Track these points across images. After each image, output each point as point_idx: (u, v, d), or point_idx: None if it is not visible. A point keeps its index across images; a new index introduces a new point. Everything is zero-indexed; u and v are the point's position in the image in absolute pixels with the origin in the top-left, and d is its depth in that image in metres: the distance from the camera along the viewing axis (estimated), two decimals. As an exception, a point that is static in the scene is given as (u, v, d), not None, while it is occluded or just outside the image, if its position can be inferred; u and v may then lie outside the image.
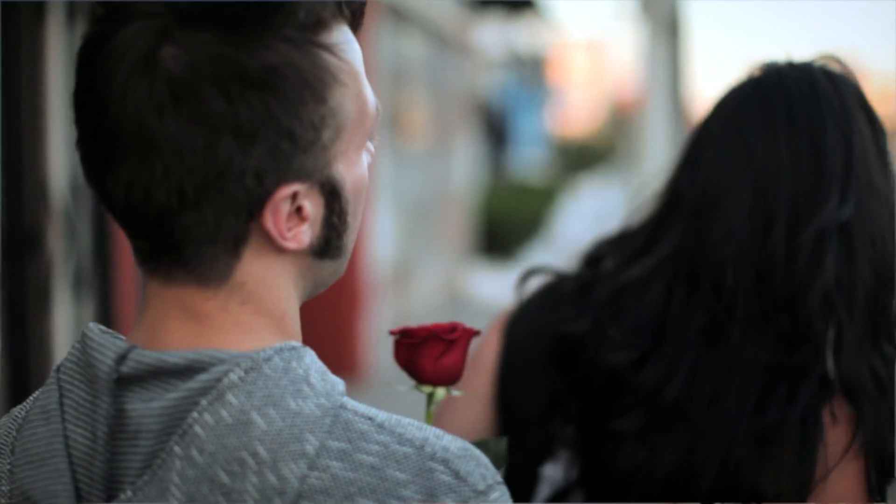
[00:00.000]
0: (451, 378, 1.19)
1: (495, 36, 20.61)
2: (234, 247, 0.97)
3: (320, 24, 0.97)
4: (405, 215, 9.68)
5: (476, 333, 1.21)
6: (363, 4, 1.03)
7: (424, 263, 11.01)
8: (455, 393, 1.22)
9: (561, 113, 36.53)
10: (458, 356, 1.19)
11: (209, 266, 0.97)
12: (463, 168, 13.18)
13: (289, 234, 0.98)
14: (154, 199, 0.94)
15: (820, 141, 1.48)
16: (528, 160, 24.30)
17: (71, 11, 3.75)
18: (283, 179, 0.96)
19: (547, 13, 20.88)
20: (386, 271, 8.77)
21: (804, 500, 1.41)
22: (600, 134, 39.98)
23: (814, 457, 1.41)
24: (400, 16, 9.64)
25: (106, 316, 3.94)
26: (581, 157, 31.33)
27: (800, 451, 1.42)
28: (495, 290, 11.93)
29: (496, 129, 20.68)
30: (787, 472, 1.42)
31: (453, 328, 1.18)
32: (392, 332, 1.20)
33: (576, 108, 41.17)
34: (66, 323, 3.76)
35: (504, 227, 14.46)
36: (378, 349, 8.07)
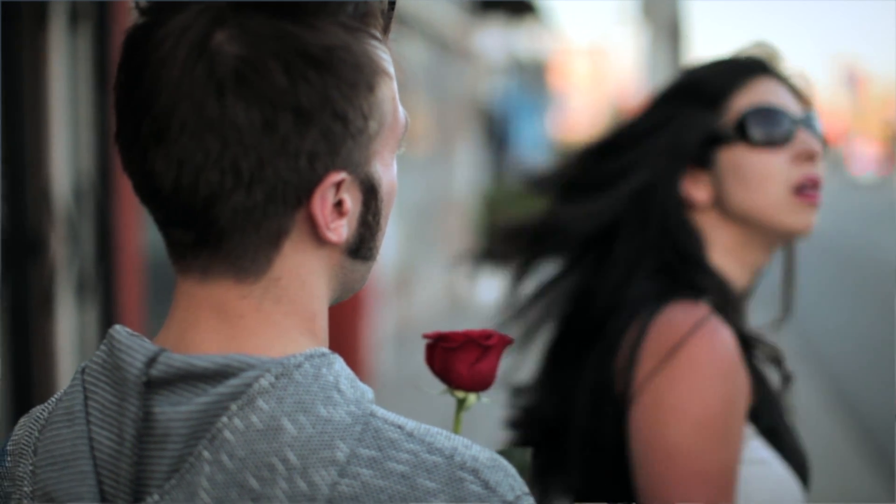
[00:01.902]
0: (484, 384, 1.19)
1: (497, 41, 20.63)
2: (276, 238, 0.97)
3: (369, 16, 0.99)
4: (407, 220, 9.68)
5: (510, 341, 1.21)
6: (393, 5, 1.05)
7: (426, 268, 11.01)
8: (485, 400, 1.22)
9: (562, 118, 36.58)
10: (493, 362, 1.19)
11: (250, 257, 0.97)
12: (464, 173, 13.19)
13: (331, 226, 0.98)
14: (206, 178, 0.94)
15: None
16: (530, 165, 24.27)
17: (73, 16, 3.75)
18: (332, 166, 0.96)
19: (548, 18, 20.91)
20: (388, 276, 8.78)
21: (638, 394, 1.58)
22: (602, 139, 39.94)
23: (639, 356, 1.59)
24: (401, 21, 9.65)
25: (108, 321, 3.93)
26: (583, 163, 31.25)
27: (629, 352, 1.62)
28: (497, 295, 11.95)
29: (498, 135, 20.70)
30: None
31: (489, 335, 1.18)
32: (426, 336, 1.20)
33: (577, 112, 41.23)
34: (69, 328, 3.76)
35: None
36: (380, 354, 8.07)
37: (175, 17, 0.95)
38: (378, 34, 1.01)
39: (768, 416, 1.63)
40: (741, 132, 1.71)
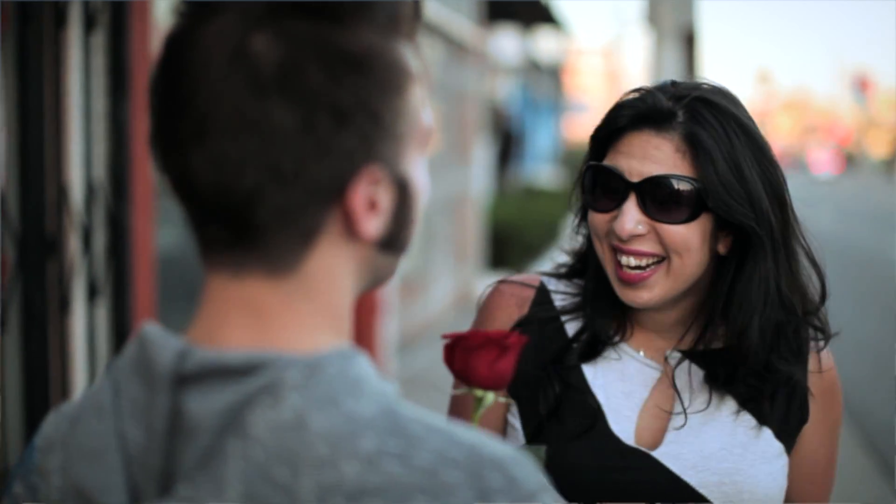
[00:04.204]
0: (502, 382, 1.22)
1: (511, 45, 20.62)
2: (310, 235, 0.99)
3: (399, 21, 1.02)
4: (418, 223, 9.69)
5: (527, 341, 1.24)
6: (419, 9, 1.07)
7: (437, 272, 11.03)
8: (502, 399, 1.24)
9: (575, 120, 36.54)
10: (511, 361, 1.22)
11: (283, 255, 0.99)
12: (476, 176, 13.19)
13: (365, 221, 1.01)
14: (246, 178, 0.96)
15: None
16: (542, 168, 24.27)
17: (90, 20, 3.78)
18: (367, 163, 0.99)
19: (562, 23, 20.86)
20: (399, 280, 8.79)
21: None
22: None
23: None
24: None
25: (120, 321, 3.96)
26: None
27: None
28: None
29: (510, 137, 20.67)
30: None
31: (507, 334, 1.22)
32: (445, 337, 1.23)
33: (590, 115, 41.08)
34: (83, 327, 3.79)
35: (517, 234, 14.46)
36: (392, 358, 8.08)
37: (213, 21, 0.98)
38: (407, 38, 1.04)
39: (569, 419, 1.67)
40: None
